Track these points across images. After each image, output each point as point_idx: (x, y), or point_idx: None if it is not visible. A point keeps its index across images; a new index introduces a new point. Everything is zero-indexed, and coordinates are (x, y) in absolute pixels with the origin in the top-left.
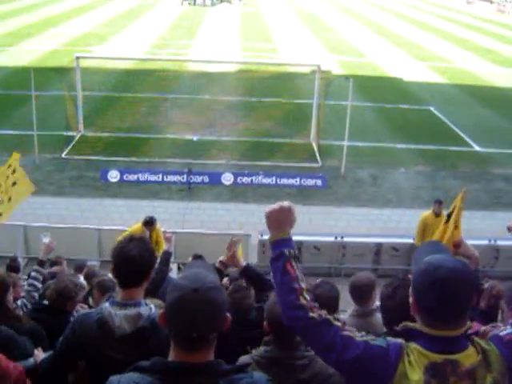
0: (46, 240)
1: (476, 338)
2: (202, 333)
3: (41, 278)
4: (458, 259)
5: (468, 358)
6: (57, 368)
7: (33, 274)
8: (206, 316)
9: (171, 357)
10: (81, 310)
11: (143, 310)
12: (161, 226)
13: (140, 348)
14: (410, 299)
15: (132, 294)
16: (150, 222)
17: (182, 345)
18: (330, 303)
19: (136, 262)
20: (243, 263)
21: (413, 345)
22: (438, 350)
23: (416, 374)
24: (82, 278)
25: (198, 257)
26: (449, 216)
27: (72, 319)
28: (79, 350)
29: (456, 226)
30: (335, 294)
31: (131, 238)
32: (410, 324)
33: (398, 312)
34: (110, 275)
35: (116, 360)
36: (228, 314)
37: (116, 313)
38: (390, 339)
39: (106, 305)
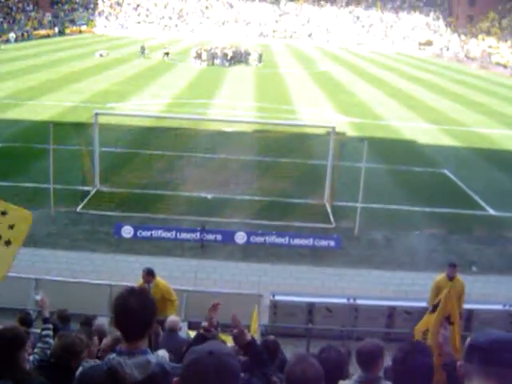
0: (38, 297)
1: None
2: None
3: (51, 333)
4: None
5: None
6: None
7: (44, 332)
8: (219, 378)
9: None
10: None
11: (151, 357)
12: (170, 285)
13: None
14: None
15: (137, 344)
16: (150, 272)
17: None
18: (335, 369)
19: (140, 315)
20: (248, 337)
21: None
22: None
23: None
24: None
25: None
26: (434, 307)
27: (77, 374)
28: None
29: (451, 322)
30: (342, 360)
31: (132, 291)
32: None
33: (409, 376)
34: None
35: None
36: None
37: (126, 361)
38: None
39: (113, 355)
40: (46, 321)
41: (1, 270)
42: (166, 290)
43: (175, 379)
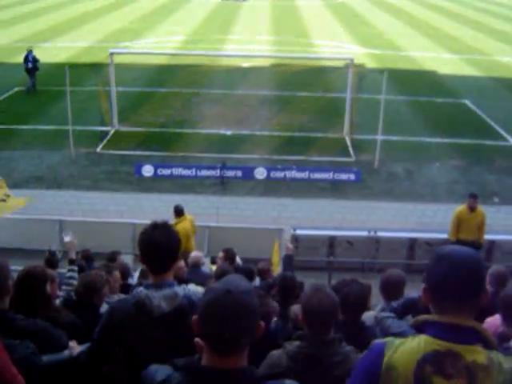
0: (67, 238)
1: (497, 352)
2: (233, 334)
3: (76, 275)
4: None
5: (471, 354)
6: (96, 359)
7: (69, 273)
8: (237, 317)
9: (204, 361)
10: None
11: (179, 290)
12: (194, 219)
13: (179, 326)
14: (422, 287)
15: (164, 277)
16: (178, 210)
17: (214, 348)
18: (358, 302)
19: (166, 247)
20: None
21: (420, 336)
22: (444, 337)
23: (405, 364)
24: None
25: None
26: None
27: (103, 310)
28: (118, 336)
29: None
30: (364, 294)
31: (156, 225)
32: (420, 317)
33: None
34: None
35: (155, 340)
36: (261, 322)
37: (153, 294)
38: (375, 342)
39: (141, 288)
40: (71, 262)
41: None
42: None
43: (194, 317)
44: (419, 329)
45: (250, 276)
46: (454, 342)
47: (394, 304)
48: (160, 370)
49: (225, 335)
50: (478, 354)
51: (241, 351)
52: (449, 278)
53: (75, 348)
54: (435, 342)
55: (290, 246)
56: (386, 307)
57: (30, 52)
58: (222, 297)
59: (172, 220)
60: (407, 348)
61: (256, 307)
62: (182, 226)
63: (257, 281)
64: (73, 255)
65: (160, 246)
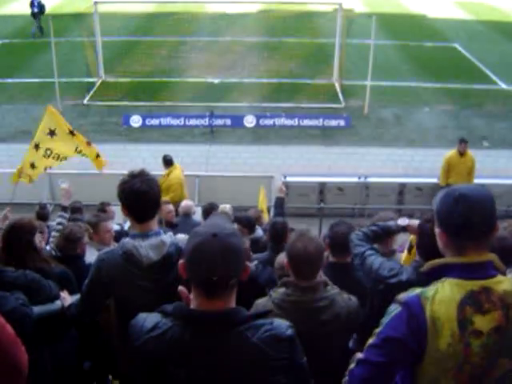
0: (65, 185)
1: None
2: (221, 276)
3: (66, 222)
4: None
5: (500, 284)
6: (86, 310)
7: (58, 219)
8: (224, 259)
9: (193, 305)
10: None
11: (165, 238)
12: (183, 170)
13: (169, 273)
14: (436, 231)
15: (149, 225)
16: (167, 161)
17: (202, 291)
18: (346, 242)
19: (148, 195)
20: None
21: (445, 281)
22: (473, 277)
23: (447, 312)
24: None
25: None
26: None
27: (94, 261)
28: (107, 288)
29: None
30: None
31: (134, 175)
32: (436, 261)
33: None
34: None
35: (145, 289)
36: (248, 263)
37: (140, 244)
38: (402, 298)
39: (127, 239)
40: (64, 209)
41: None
42: (171, 185)
43: (181, 262)
44: (435, 272)
45: (251, 226)
46: (483, 279)
47: (365, 229)
48: (148, 318)
49: (213, 278)
50: (505, 283)
51: (229, 293)
52: (471, 219)
53: (66, 299)
54: (466, 283)
55: (284, 188)
56: (360, 232)
57: None
58: (209, 240)
59: (163, 170)
60: (443, 296)
61: (242, 248)
62: (175, 175)
63: (259, 231)
64: (66, 203)
65: (141, 194)
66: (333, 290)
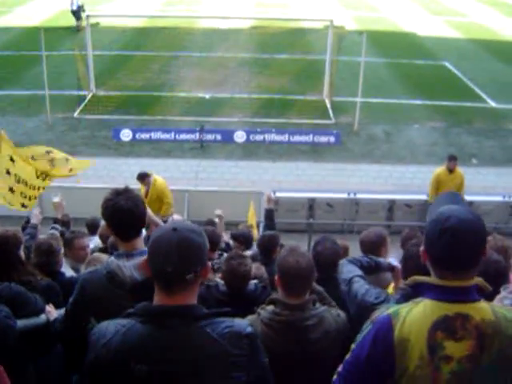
0: (56, 199)
1: (497, 305)
2: (177, 269)
3: (58, 234)
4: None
5: (479, 312)
6: (70, 327)
7: (50, 231)
8: (180, 252)
9: (154, 301)
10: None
11: None
12: (168, 185)
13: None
14: (421, 249)
15: (134, 244)
16: (141, 176)
17: (161, 285)
18: (331, 259)
19: (133, 213)
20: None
21: (421, 301)
22: (449, 300)
23: (417, 334)
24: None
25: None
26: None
27: (79, 280)
28: (91, 308)
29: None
30: (337, 250)
31: (118, 192)
32: (419, 278)
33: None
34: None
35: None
36: (209, 263)
37: (124, 264)
38: (375, 317)
39: (112, 258)
40: (55, 221)
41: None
42: (161, 190)
43: (143, 258)
44: (415, 288)
45: (247, 242)
46: (461, 303)
47: (360, 257)
48: (111, 323)
49: (167, 269)
50: (485, 311)
51: (188, 289)
52: (453, 254)
53: (52, 312)
54: (442, 306)
55: (272, 197)
56: (352, 259)
57: None
58: (168, 233)
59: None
60: (415, 317)
61: (203, 247)
62: (160, 181)
63: (254, 247)
64: (58, 215)
65: (126, 212)
66: (321, 307)
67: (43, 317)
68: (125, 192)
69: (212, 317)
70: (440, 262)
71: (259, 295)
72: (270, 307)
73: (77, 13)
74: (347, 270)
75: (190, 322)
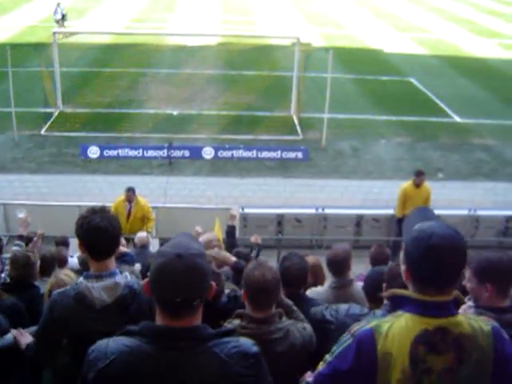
0: (22, 215)
1: (473, 316)
2: (186, 297)
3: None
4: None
5: (457, 325)
6: (42, 350)
7: (14, 247)
8: (189, 281)
9: (158, 322)
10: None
11: (119, 279)
12: (147, 202)
13: (122, 316)
14: (402, 267)
15: (106, 264)
16: (131, 189)
17: (167, 311)
18: (299, 275)
19: (108, 232)
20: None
21: (402, 315)
22: (429, 314)
23: (399, 348)
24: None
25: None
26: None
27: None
28: (61, 329)
29: None
30: (305, 267)
31: (94, 210)
32: (399, 291)
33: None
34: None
35: (99, 332)
36: (213, 282)
37: (93, 285)
38: (356, 331)
39: (81, 279)
40: (20, 237)
41: None
42: (147, 209)
43: (145, 281)
44: (393, 301)
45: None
46: (440, 317)
47: None
48: (112, 341)
49: (176, 299)
50: (462, 325)
51: (194, 312)
52: (439, 272)
53: (22, 338)
54: (422, 320)
55: (235, 213)
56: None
57: (58, 5)
58: (173, 261)
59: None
60: (397, 331)
61: (207, 268)
62: (143, 200)
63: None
64: (24, 232)
65: (100, 231)
66: (287, 320)
67: (8, 337)
68: (101, 211)
69: (218, 337)
70: (425, 280)
71: (233, 307)
72: (237, 321)
73: (60, 21)
74: None
75: (197, 343)
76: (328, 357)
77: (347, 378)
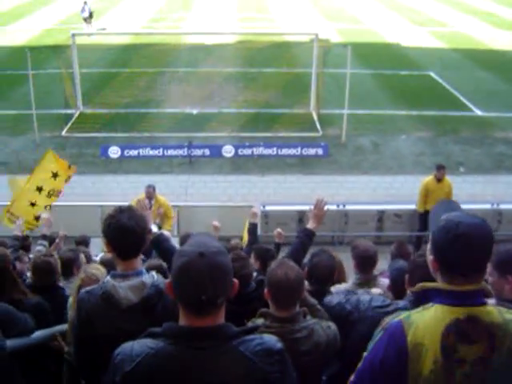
0: (45, 215)
1: (503, 309)
2: (210, 296)
3: (45, 250)
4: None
5: (488, 314)
6: (83, 357)
7: (38, 247)
8: (213, 279)
9: (181, 322)
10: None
11: (146, 279)
12: (166, 200)
13: (148, 316)
14: (429, 257)
15: (132, 264)
16: (151, 186)
17: (191, 311)
18: (326, 272)
19: (134, 232)
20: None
21: (432, 306)
22: (460, 304)
23: (431, 338)
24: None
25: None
26: None
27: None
28: (87, 327)
29: None
30: (332, 264)
31: (121, 210)
32: (428, 284)
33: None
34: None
35: (125, 331)
36: (235, 280)
37: (120, 285)
38: (386, 323)
39: (108, 278)
40: (43, 237)
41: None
42: (167, 207)
43: (167, 281)
44: (423, 295)
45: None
46: (470, 306)
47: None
48: (137, 344)
49: (201, 298)
50: (493, 314)
51: (217, 311)
52: (468, 259)
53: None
54: (453, 310)
55: (256, 210)
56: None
57: (85, 3)
58: (196, 260)
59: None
60: (428, 321)
61: (229, 266)
62: (162, 199)
63: None
64: (47, 231)
65: (127, 230)
66: (311, 319)
67: (34, 336)
68: (128, 210)
69: (242, 335)
70: (453, 268)
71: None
72: (260, 320)
73: (87, 19)
74: None
75: (222, 342)
76: (365, 353)
77: (382, 371)
